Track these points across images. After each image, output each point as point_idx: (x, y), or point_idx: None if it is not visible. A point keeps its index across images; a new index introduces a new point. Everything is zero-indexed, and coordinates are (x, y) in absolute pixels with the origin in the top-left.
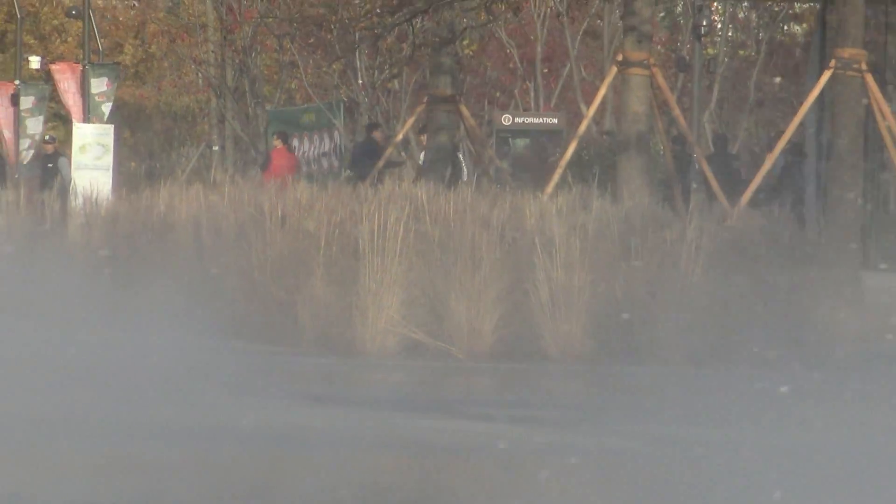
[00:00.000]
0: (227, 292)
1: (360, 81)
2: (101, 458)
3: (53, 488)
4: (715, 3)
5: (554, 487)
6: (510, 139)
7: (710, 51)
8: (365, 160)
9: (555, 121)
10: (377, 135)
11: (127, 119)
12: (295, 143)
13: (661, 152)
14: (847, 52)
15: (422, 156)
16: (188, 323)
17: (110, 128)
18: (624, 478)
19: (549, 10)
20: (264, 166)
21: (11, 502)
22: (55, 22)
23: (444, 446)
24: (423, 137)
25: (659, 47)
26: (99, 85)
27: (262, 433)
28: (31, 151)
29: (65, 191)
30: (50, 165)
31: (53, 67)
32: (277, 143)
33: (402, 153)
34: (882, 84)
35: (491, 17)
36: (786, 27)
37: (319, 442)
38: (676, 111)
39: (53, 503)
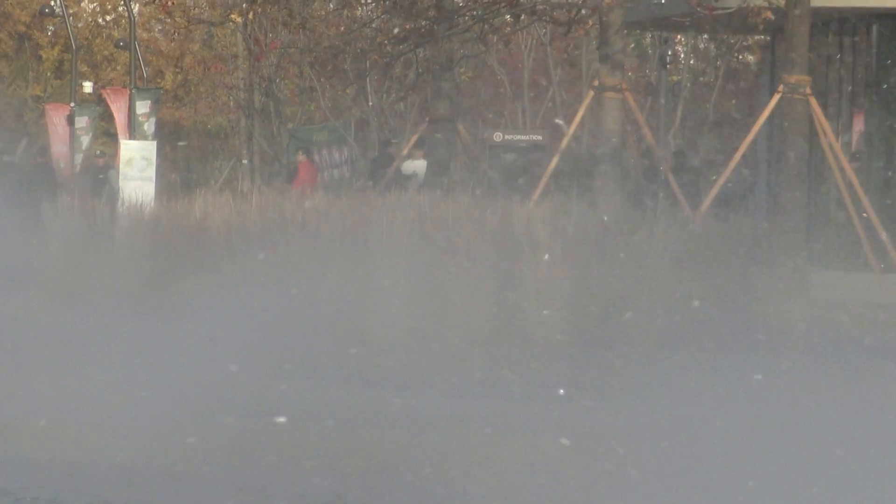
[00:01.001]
0: (248, 286)
1: (371, 104)
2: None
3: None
4: (679, 36)
5: (531, 457)
6: (501, 153)
7: (675, 77)
8: (380, 171)
9: (539, 137)
10: (391, 150)
11: (167, 136)
12: (319, 158)
13: (632, 165)
14: (793, 78)
15: (418, 168)
16: (219, 311)
17: (153, 144)
18: (597, 446)
19: (534, 41)
20: (292, 177)
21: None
22: (105, 52)
23: (441, 419)
24: (421, 152)
25: (630, 74)
26: (143, 107)
27: (303, 407)
28: (85, 164)
29: (113, 198)
30: (101, 176)
31: (104, 91)
32: (303, 158)
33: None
34: (824, 105)
35: (484, 48)
36: (740, 57)
37: (345, 415)
38: (645, 129)
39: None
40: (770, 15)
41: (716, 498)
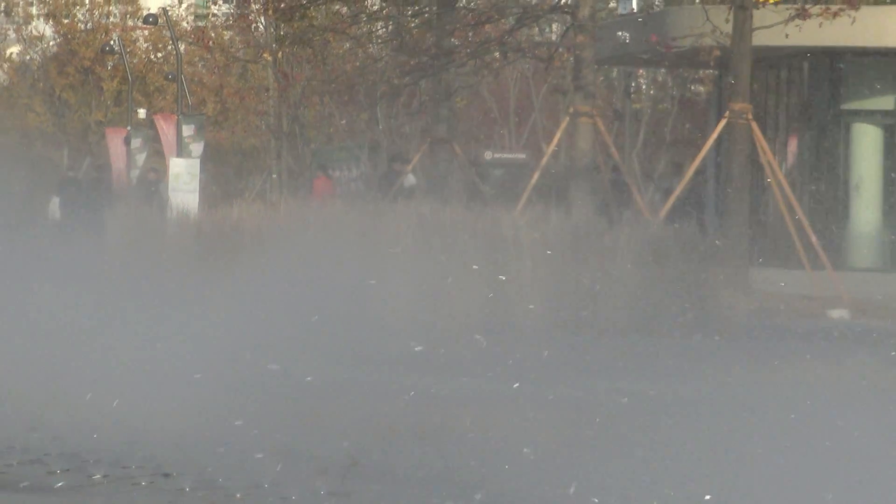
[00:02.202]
0: (278, 279)
1: (381, 127)
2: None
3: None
4: (640, 70)
5: (519, 423)
6: (491, 170)
7: (637, 105)
8: (388, 185)
9: (523, 156)
10: (396, 166)
11: (209, 155)
12: (336, 173)
13: (602, 179)
14: (738, 106)
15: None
16: (252, 300)
17: (197, 161)
18: (574, 418)
19: (519, 74)
20: (311, 190)
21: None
22: (157, 84)
23: (443, 394)
24: (409, 167)
25: (600, 102)
26: (188, 130)
27: (326, 383)
28: (139, 178)
29: (163, 207)
30: (153, 189)
31: (156, 117)
32: (320, 174)
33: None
34: (763, 129)
35: (477, 80)
36: (692, 87)
37: (361, 389)
38: (613, 149)
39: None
40: (718, 52)
41: (668, 454)
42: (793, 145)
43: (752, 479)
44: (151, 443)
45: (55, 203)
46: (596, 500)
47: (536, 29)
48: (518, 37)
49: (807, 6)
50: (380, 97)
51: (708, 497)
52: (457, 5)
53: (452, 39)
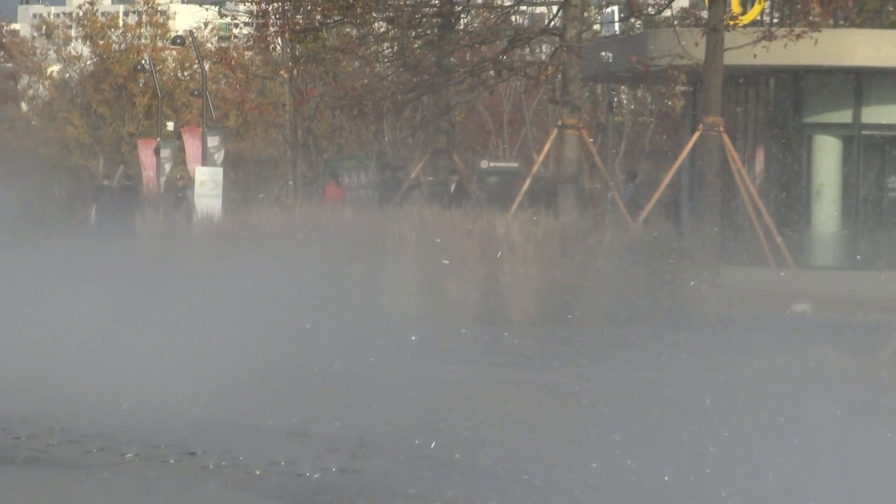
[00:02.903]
0: (293, 277)
1: (387, 139)
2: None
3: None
4: (622, 86)
5: (512, 406)
6: (486, 177)
7: (619, 118)
8: (392, 191)
9: (515, 165)
10: (400, 175)
11: (231, 163)
12: (346, 180)
13: (586, 185)
14: (710, 119)
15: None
16: (270, 293)
17: (220, 169)
18: (561, 400)
19: (512, 91)
20: (323, 195)
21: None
22: (184, 99)
23: (444, 380)
24: (401, 174)
25: (585, 115)
26: (212, 141)
27: (337, 370)
28: (168, 185)
29: (190, 211)
30: (180, 194)
31: (183, 129)
32: (331, 182)
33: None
34: (733, 140)
35: (473, 96)
36: (669, 102)
37: (370, 376)
38: (597, 159)
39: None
40: (696, 64)
41: (644, 430)
42: (760, 155)
43: (720, 452)
44: (178, 425)
45: (94, 209)
46: (579, 467)
47: (528, 49)
48: (511, 57)
49: (773, 29)
50: (386, 111)
51: (679, 466)
52: (455, 28)
53: (451, 59)
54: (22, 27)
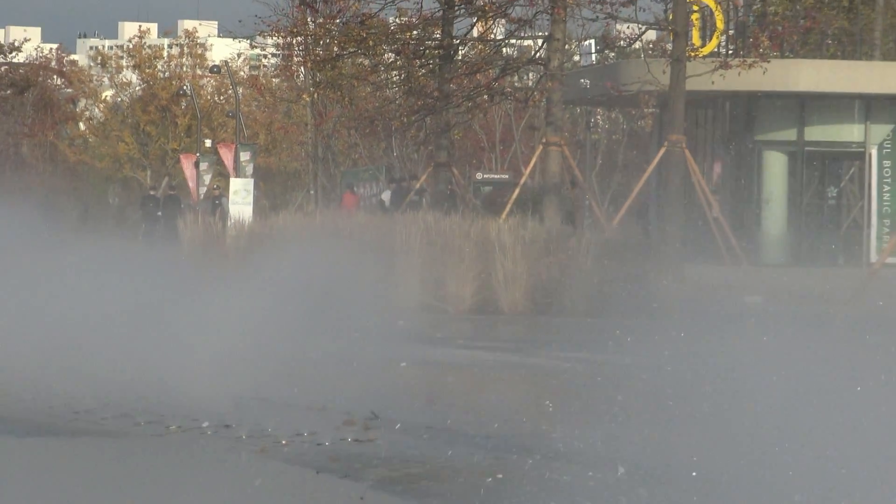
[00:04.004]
0: (313, 273)
1: (395, 154)
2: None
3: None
4: (598, 108)
5: (504, 385)
6: (481, 187)
7: (595, 136)
8: (400, 199)
9: (506, 176)
10: (406, 184)
11: (260, 175)
12: (360, 190)
13: (567, 194)
14: (674, 137)
15: (386, 196)
16: (295, 286)
17: (251, 180)
18: (547, 382)
19: (503, 112)
20: (340, 203)
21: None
22: (220, 120)
23: (445, 362)
24: (392, 185)
25: (566, 134)
26: (245, 156)
27: (352, 354)
28: (206, 194)
29: (224, 217)
30: (217, 202)
31: (219, 146)
32: (346, 191)
33: (425, 192)
34: (694, 155)
35: (470, 117)
36: (639, 122)
37: (380, 359)
38: (576, 171)
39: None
40: (662, 89)
41: (617, 407)
42: (717, 167)
43: (682, 426)
44: (215, 401)
45: (160, 218)
46: (559, 436)
47: (516, 77)
48: (502, 83)
49: (728, 60)
50: (394, 130)
51: (648, 433)
52: (454, 59)
53: (451, 85)
54: (80, 58)
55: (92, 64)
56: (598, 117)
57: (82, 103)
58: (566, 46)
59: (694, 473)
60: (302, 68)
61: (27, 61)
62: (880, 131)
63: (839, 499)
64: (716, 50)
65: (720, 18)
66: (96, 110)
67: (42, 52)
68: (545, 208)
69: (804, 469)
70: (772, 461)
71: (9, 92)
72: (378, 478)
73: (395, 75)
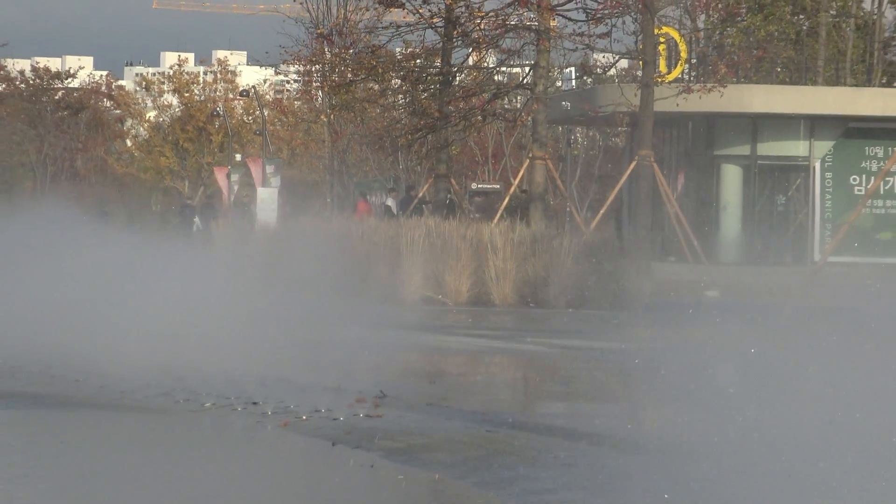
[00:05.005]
0: (330, 270)
1: (401, 166)
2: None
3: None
4: (578, 127)
5: (496, 368)
6: (476, 196)
7: (575, 152)
8: (406, 206)
9: (497, 186)
10: (413, 193)
11: (284, 186)
12: (372, 198)
13: (551, 202)
14: (643, 152)
15: (391, 202)
16: (313, 285)
17: (276, 190)
18: (533, 365)
19: (495, 131)
20: (355, 210)
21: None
22: (248, 137)
23: (444, 348)
24: (395, 193)
25: (550, 149)
26: (270, 169)
27: (363, 341)
28: (236, 202)
29: (252, 221)
30: (246, 209)
31: (248, 160)
32: (360, 199)
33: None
34: (661, 167)
35: (466, 135)
36: (613, 139)
37: (388, 345)
38: (559, 182)
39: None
40: (633, 110)
41: (593, 386)
42: (681, 178)
43: (648, 400)
44: (244, 382)
45: (196, 221)
46: (544, 411)
47: (506, 100)
48: (494, 105)
49: (690, 85)
50: (400, 146)
51: (619, 406)
52: (452, 84)
53: (449, 107)
54: (127, 83)
55: (137, 88)
56: (578, 135)
57: (129, 123)
58: (550, 73)
59: (658, 439)
60: (320, 92)
61: (81, 86)
62: (823, 147)
63: (786, 454)
64: (680, 76)
65: (684, 49)
66: (141, 129)
67: (94, 79)
68: (531, 214)
69: (756, 431)
70: (727, 427)
71: (65, 113)
72: (386, 448)
73: (401, 98)
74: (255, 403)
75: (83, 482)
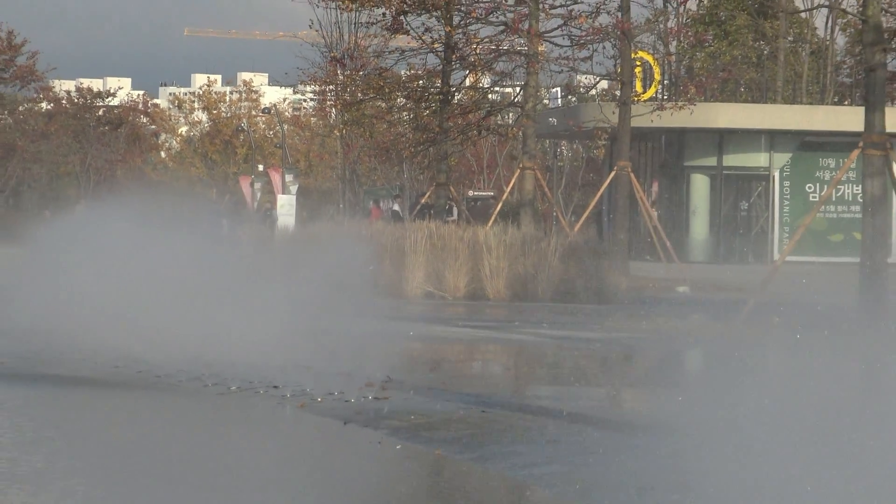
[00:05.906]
0: (342, 269)
1: (406, 176)
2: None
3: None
4: (563, 140)
5: (490, 355)
6: (472, 202)
7: (560, 163)
8: (412, 211)
9: (492, 194)
10: (421, 199)
11: (301, 193)
12: (381, 204)
13: (539, 207)
14: (622, 163)
15: (398, 207)
16: (327, 281)
17: (294, 197)
18: (524, 353)
19: (489, 144)
20: (367, 215)
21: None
22: (269, 150)
23: (444, 337)
24: (400, 199)
25: (538, 160)
26: (289, 177)
27: (372, 331)
28: (259, 208)
29: (273, 225)
30: (267, 214)
31: (269, 169)
32: (373, 205)
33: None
34: (637, 176)
35: (463, 148)
36: (594, 151)
37: (394, 335)
38: (546, 190)
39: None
40: (612, 126)
41: (579, 371)
42: (655, 187)
43: (626, 384)
44: (266, 368)
45: (224, 225)
46: (533, 394)
47: (499, 116)
48: (488, 121)
49: (664, 103)
50: (405, 158)
51: (600, 391)
52: (451, 102)
53: (448, 123)
54: (161, 101)
55: (171, 106)
56: (563, 148)
57: (163, 137)
58: (538, 93)
59: (635, 418)
60: (333, 110)
61: (121, 105)
62: (781, 159)
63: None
64: (654, 96)
65: (658, 71)
66: (174, 142)
67: (132, 98)
68: (522, 219)
69: (722, 410)
70: (697, 407)
71: (106, 128)
72: (392, 427)
73: (406, 115)
74: (275, 387)
75: (122, 453)
